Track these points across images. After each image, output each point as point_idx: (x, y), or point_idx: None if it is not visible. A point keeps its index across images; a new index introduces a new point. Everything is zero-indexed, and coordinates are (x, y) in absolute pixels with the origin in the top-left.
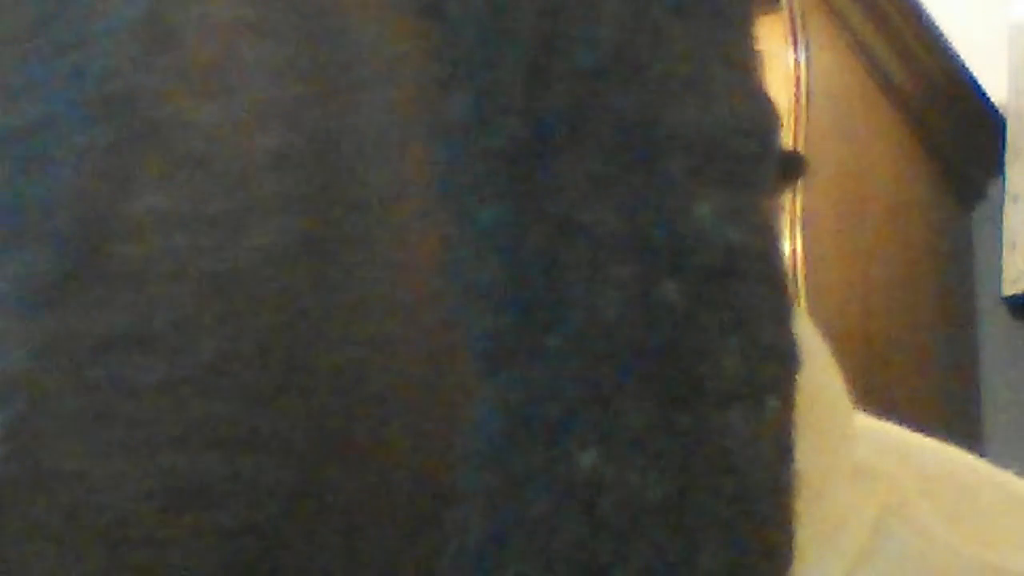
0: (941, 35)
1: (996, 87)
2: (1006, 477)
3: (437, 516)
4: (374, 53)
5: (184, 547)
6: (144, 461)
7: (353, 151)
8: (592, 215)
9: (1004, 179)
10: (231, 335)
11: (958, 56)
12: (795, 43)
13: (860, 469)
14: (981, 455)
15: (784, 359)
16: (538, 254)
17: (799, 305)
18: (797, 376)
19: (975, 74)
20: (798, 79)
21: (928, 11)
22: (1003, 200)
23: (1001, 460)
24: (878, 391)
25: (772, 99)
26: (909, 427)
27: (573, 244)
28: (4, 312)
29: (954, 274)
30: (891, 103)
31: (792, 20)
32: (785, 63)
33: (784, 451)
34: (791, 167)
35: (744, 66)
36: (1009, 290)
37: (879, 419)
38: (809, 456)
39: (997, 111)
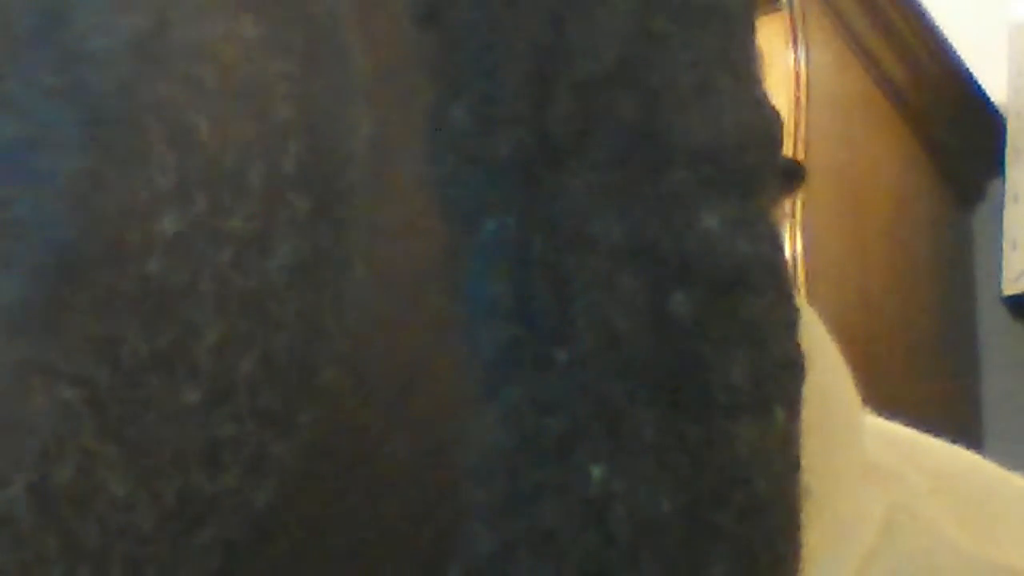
0: (941, 35)
1: (996, 87)
2: (1014, 477)
3: (441, 532)
4: (374, 65)
5: (186, 563)
6: (171, 483)
7: (359, 166)
8: (599, 226)
9: (1004, 179)
10: (264, 354)
11: (958, 56)
12: (795, 43)
13: (868, 466)
14: (981, 454)
15: (791, 369)
16: (544, 265)
17: (805, 304)
18: (803, 385)
19: (975, 74)
20: (798, 79)
21: (928, 11)
22: (1003, 200)
23: (1001, 460)
24: (878, 390)
25: (775, 107)
26: (909, 427)
27: (580, 255)
28: None
29: (954, 274)
30: (891, 103)
31: (792, 20)
32: (785, 63)
33: (792, 461)
34: (790, 175)
35: (748, 74)
36: (1009, 290)
37: (880, 419)
38: (819, 456)
39: (997, 111)
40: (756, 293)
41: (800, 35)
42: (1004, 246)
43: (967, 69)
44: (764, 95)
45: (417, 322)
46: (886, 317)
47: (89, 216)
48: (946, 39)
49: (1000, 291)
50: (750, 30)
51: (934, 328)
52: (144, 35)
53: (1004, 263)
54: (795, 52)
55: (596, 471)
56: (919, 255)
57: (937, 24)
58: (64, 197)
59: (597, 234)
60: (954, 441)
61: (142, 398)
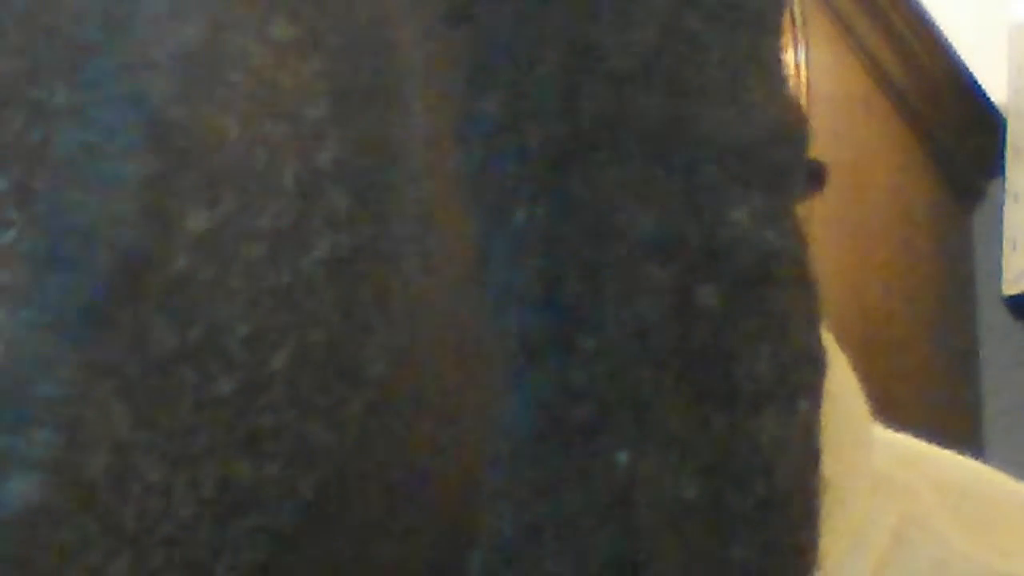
0: (941, 35)
1: (996, 87)
2: (1021, 487)
3: (467, 516)
4: (410, 62)
5: (230, 550)
6: (209, 470)
7: (397, 160)
8: (629, 218)
9: (1004, 179)
10: (300, 346)
11: (958, 56)
12: (795, 43)
13: (878, 479)
14: (981, 455)
15: (815, 363)
16: (574, 255)
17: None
18: (824, 379)
19: (975, 74)
20: (798, 79)
21: (928, 11)
22: (1003, 200)
23: (1001, 460)
24: (878, 391)
25: (801, 105)
26: (909, 428)
27: (610, 246)
28: (49, 337)
29: (954, 274)
30: (891, 103)
31: (792, 20)
32: (785, 63)
33: (812, 453)
34: (813, 175)
35: (776, 72)
36: (1009, 290)
37: (878, 419)
38: (828, 465)
39: (997, 111)
40: (782, 286)
41: (800, 35)
42: (1004, 246)
43: (967, 69)
44: (791, 93)
45: (465, 314)
46: (886, 317)
47: (154, 219)
48: (946, 39)
49: (1000, 291)
50: (778, 30)
51: (934, 328)
52: (200, 42)
53: (1004, 263)
54: (795, 52)
55: (622, 457)
56: (919, 255)
57: (937, 24)
58: (131, 201)
59: (627, 225)
60: (954, 442)
61: (173, 389)
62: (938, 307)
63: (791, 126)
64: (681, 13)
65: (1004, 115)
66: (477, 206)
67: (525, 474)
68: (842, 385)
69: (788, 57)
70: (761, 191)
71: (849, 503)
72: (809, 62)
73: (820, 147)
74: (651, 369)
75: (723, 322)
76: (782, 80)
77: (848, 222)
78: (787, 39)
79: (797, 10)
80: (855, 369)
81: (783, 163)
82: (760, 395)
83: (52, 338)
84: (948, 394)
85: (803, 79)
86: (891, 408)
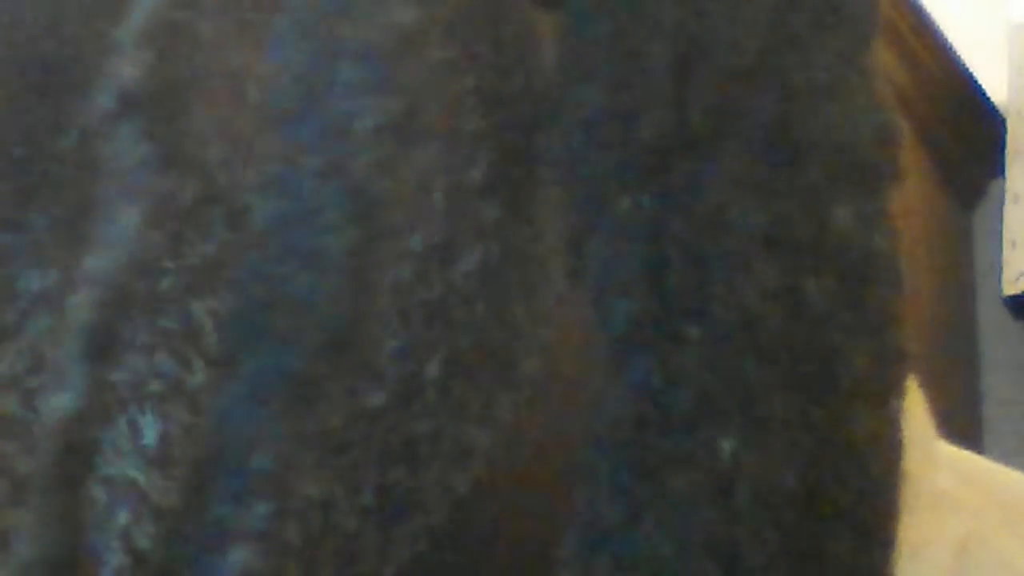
0: (941, 35)
1: (996, 87)
2: None
3: (562, 497)
4: (530, 62)
5: (393, 553)
6: (366, 480)
7: (539, 163)
8: (737, 212)
9: (1004, 179)
10: (451, 355)
11: (958, 56)
12: None
13: (943, 497)
14: (980, 455)
15: (903, 361)
16: (680, 245)
17: None
18: (908, 377)
19: (975, 74)
20: None
21: (928, 11)
22: (1003, 200)
23: (1001, 460)
24: None
25: (896, 109)
26: None
27: (717, 238)
28: (259, 411)
29: (954, 274)
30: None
31: None
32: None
33: (899, 448)
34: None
35: (873, 75)
36: (1009, 290)
37: (955, 448)
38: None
39: (997, 111)
40: (880, 285)
41: None
42: (1004, 246)
43: (967, 69)
44: (887, 97)
45: (583, 301)
46: None
47: (360, 293)
48: (946, 39)
49: (1000, 291)
50: (874, 37)
51: (934, 328)
52: (399, 116)
53: (1004, 263)
54: None
55: (726, 444)
56: (919, 255)
57: (937, 24)
58: (336, 274)
59: (735, 219)
60: (954, 441)
61: (324, 406)
62: (938, 307)
63: (890, 127)
64: (786, 16)
65: (1004, 115)
66: (574, 193)
67: (626, 458)
68: (911, 403)
69: None
70: (864, 192)
71: (912, 519)
72: None
73: None
74: (756, 360)
75: (825, 317)
76: (879, 84)
77: None
78: None
79: None
80: None
81: (883, 165)
82: (857, 391)
83: (262, 412)
84: (948, 394)
85: None
86: None
